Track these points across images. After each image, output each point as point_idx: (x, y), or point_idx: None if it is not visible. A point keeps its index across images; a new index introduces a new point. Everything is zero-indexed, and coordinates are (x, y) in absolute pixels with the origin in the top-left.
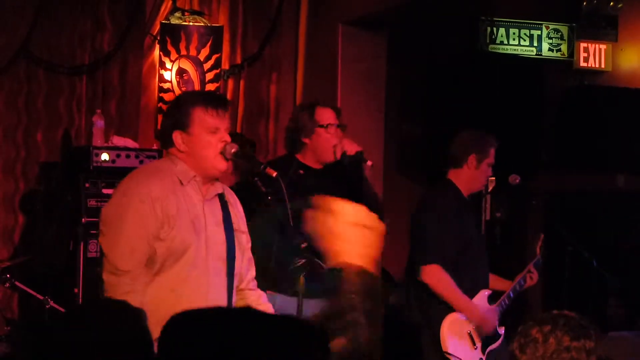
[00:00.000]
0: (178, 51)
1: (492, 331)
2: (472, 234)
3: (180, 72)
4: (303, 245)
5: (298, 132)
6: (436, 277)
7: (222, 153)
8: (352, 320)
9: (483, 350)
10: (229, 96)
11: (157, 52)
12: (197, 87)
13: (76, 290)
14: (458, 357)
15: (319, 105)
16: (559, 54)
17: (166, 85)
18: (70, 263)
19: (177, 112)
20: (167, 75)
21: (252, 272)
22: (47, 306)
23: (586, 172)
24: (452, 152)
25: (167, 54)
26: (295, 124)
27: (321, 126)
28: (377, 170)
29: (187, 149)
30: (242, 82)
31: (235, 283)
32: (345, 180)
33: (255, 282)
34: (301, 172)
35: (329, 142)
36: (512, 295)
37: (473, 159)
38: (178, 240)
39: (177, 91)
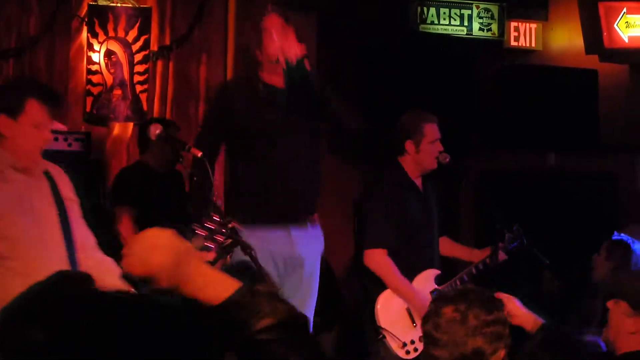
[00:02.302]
0: (106, 33)
1: None
2: (418, 219)
3: (109, 54)
4: (230, 225)
5: None
6: (378, 261)
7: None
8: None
9: None
10: (158, 78)
11: (85, 34)
12: (125, 68)
13: None
14: (391, 333)
15: None
16: (489, 34)
17: (94, 68)
18: None
19: (11, 96)
20: (95, 57)
21: (92, 238)
22: None
23: (517, 151)
24: (393, 141)
25: (95, 35)
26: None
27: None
28: None
29: (9, 135)
30: (171, 64)
31: (78, 253)
32: None
33: (96, 247)
34: None
35: None
36: (465, 278)
37: (410, 145)
38: (2, 224)
39: (106, 73)
